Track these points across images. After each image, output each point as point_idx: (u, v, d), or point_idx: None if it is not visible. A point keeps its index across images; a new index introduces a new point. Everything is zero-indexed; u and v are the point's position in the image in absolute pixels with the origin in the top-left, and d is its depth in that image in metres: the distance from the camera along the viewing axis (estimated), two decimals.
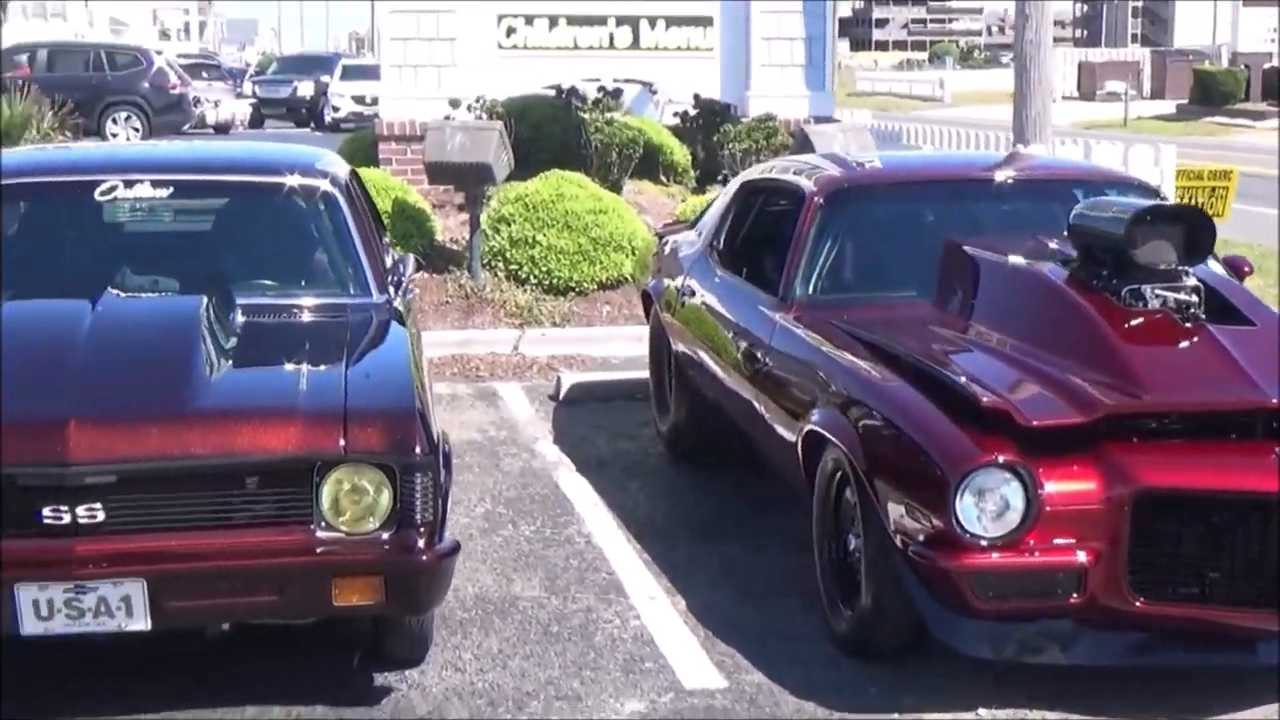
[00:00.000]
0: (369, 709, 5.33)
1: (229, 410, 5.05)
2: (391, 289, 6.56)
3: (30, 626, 4.85)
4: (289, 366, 5.50)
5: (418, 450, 4.99)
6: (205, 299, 5.73)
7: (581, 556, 6.93)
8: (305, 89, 42.39)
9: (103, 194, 6.57)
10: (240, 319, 5.90)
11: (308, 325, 6.20)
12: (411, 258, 7.04)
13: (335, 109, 38.77)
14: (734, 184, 8.55)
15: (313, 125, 40.40)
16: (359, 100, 37.58)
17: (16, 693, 5.34)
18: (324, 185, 6.76)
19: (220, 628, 5.22)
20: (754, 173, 8.52)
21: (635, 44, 15.58)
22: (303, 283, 6.55)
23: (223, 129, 37.87)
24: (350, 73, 39.82)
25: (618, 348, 11.14)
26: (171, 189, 6.68)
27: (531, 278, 11.98)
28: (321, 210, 6.69)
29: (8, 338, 5.40)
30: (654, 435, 8.88)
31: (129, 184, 6.60)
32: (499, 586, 6.52)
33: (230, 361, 5.43)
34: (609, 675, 5.65)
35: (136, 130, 31.43)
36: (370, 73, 39.03)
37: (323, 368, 5.46)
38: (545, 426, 9.34)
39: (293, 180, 6.77)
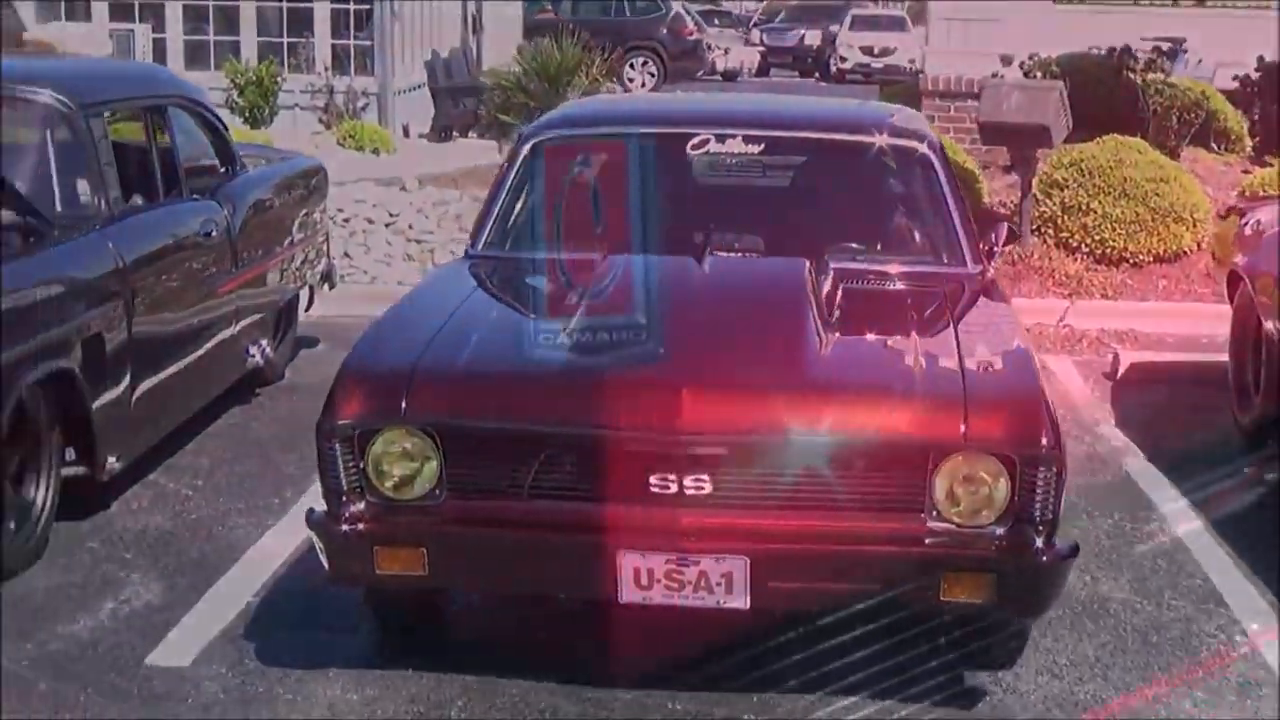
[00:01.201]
0: (964, 711, 4.98)
1: (845, 386, 4.77)
2: (984, 259, 6.20)
3: (629, 594, 4.68)
4: (898, 342, 5.19)
5: (1044, 442, 4.58)
6: (807, 263, 5.48)
7: (1170, 557, 6.41)
8: (812, 38, 41.96)
9: (694, 148, 6.39)
10: (838, 286, 5.61)
11: (903, 295, 5.90)
12: (1005, 225, 6.62)
13: (842, 59, 38.29)
14: None
15: (817, 75, 40.10)
16: (867, 51, 37.28)
17: (615, 650, 5.20)
18: (921, 147, 6.42)
19: (814, 611, 4.95)
20: None
21: (1201, 1, 14.72)
22: (888, 248, 6.26)
23: (730, 76, 38.04)
24: (859, 23, 39.29)
25: (1172, 325, 10.54)
26: (763, 145, 6.44)
27: (1083, 246, 11.41)
28: (917, 172, 6.36)
29: (615, 292, 5.28)
30: (1230, 425, 8.22)
31: (720, 138, 6.40)
32: (1084, 584, 6.06)
33: (837, 332, 5.15)
34: (1223, 699, 5.14)
35: (653, 75, 31.88)
36: (880, 23, 38.80)
37: (933, 344, 5.14)
38: (1105, 408, 8.81)
39: (886, 140, 6.46)
